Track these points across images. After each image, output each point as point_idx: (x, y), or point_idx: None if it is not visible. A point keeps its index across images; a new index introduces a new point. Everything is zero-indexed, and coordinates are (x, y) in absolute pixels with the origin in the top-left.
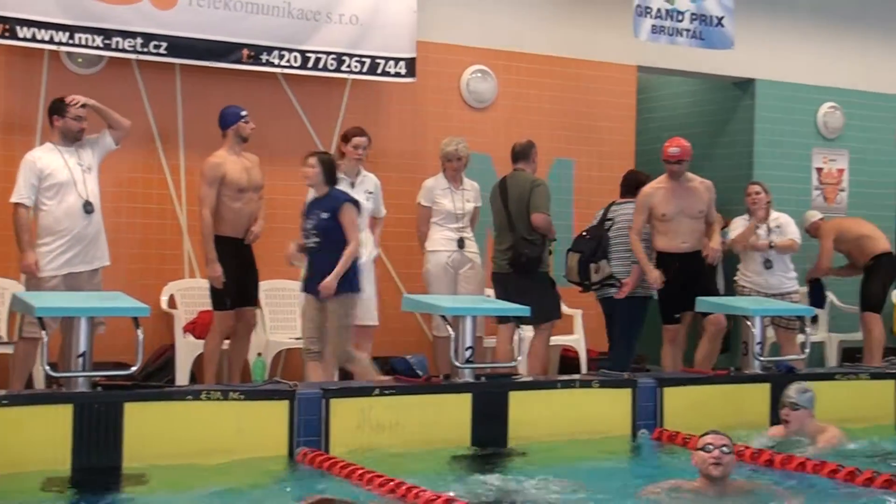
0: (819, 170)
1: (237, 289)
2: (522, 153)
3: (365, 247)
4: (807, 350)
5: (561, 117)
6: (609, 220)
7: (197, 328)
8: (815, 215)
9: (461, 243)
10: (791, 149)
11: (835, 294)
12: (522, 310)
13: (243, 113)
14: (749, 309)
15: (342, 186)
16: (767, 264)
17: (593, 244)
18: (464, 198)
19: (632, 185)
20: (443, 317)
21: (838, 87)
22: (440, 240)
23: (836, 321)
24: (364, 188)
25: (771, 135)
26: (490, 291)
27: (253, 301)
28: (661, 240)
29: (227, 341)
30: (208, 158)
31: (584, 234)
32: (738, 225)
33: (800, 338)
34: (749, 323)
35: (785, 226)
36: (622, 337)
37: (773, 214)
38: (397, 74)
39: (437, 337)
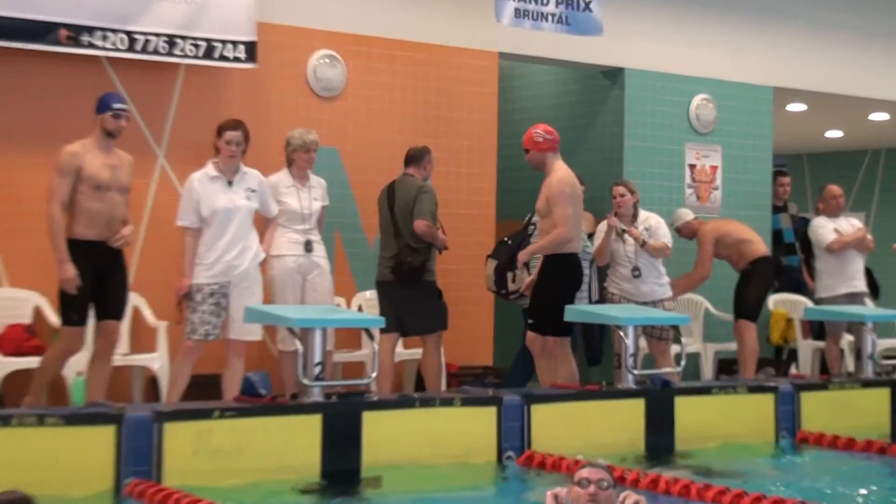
0: (692, 167)
1: (95, 299)
2: (413, 158)
3: (248, 251)
4: (682, 362)
5: (416, 108)
6: (533, 224)
7: (3, 343)
8: (687, 214)
9: (308, 246)
10: (663, 143)
11: (709, 301)
12: (376, 321)
13: (116, 105)
14: (620, 318)
15: (217, 186)
16: (635, 273)
17: (512, 250)
18: (311, 196)
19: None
20: (290, 329)
21: (711, 78)
22: (285, 243)
23: (710, 329)
24: (245, 186)
25: (642, 128)
26: (340, 299)
27: (116, 314)
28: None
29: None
30: (65, 147)
31: (506, 239)
32: (603, 229)
33: (674, 349)
34: (621, 333)
35: (656, 228)
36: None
37: (643, 215)
38: (236, 59)
39: (283, 352)
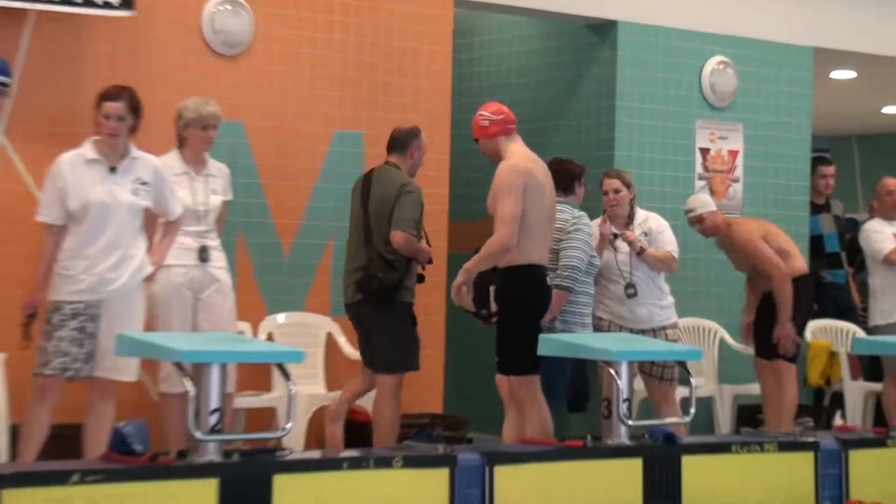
0: (704, 151)
1: None
2: (396, 143)
3: (130, 262)
4: (692, 410)
5: (345, 71)
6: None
7: None
8: (709, 202)
9: (203, 254)
10: (666, 121)
11: (725, 328)
12: (292, 354)
13: None
14: (610, 351)
15: (95, 172)
16: (630, 291)
17: None
18: (208, 187)
19: (561, 180)
20: (176, 364)
21: (731, 35)
22: (173, 249)
23: (727, 367)
24: (134, 176)
25: (639, 101)
26: (244, 325)
27: None
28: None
29: None
30: None
31: None
32: (595, 234)
33: (681, 392)
34: (612, 372)
35: (657, 232)
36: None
37: (640, 215)
38: (107, 5)
39: (167, 395)
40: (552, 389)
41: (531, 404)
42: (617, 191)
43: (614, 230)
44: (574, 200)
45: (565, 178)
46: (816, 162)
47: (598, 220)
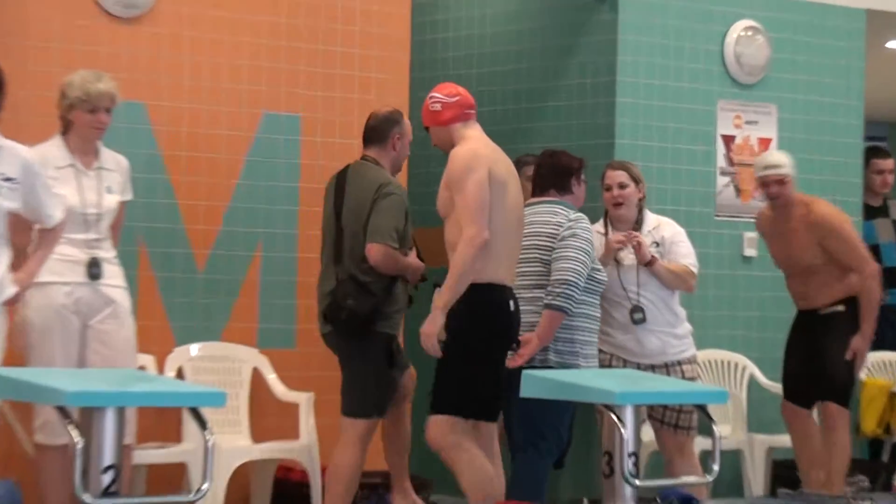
0: (728, 140)
1: None
2: (373, 132)
3: None
4: (715, 467)
5: (276, 39)
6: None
7: None
8: (787, 163)
9: (94, 269)
10: (679, 101)
11: (756, 363)
12: (210, 396)
13: None
14: (613, 393)
15: None
16: (637, 315)
17: None
18: (101, 184)
19: (555, 176)
20: (59, 409)
21: None
22: (53, 262)
23: (759, 411)
24: None
25: (646, 76)
26: (147, 359)
27: None
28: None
29: None
30: None
31: None
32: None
33: (701, 443)
34: (614, 418)
35: (671, 242)
36: (527, 440)
37: (651, 220)
38: None
39: (45, 447)
40: (543, 439)
41: (457, 454)
42: (623, 186)
43: (620, 235)
44: (571, 201)
45: (560, 173)
46: (871, 154)
47: (594, 227)
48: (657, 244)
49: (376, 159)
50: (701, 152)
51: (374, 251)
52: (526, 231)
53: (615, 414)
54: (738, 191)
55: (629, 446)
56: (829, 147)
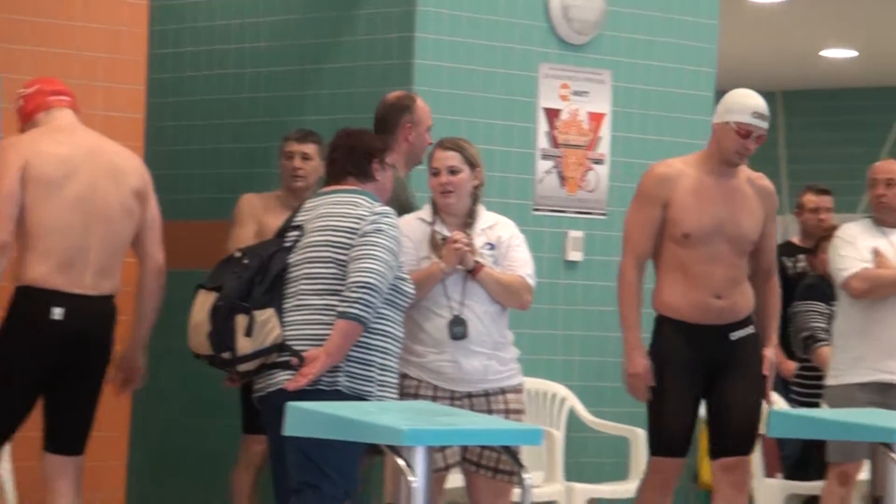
0: (553, 114)
1: None
2: (381, 122)
3: None
4: None
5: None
6: (295, 228)
7: None
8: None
9: None
10: (491, 64)
11: (577, 394)
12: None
13: None
14: (399, 431)
15: None
16: (458, 330)
17: (248, 276)
18: None
19: (352, 160)
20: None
21: None
22: None
23: (580, 454)
24: None
25: (449, 32)
26: None
27: None
28: None
29: None
30: None
31: (237, 254)
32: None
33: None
34: (401, 462)
35: (508, 246)
36: (305, 480)
37: (487, 219)
38: None
39: None
40: (325, 478)
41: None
42: (454, 170)
43: (443, 233)
44: (375, 190)
45: (358, 157)
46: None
47: (414, 217)
48: (491, 246)
49: None
50: (518, 130)
51: None
52: (318, 225)
53: (401, 458)
54: (563, 179)
55: (419, 499)
56: (675, 125)
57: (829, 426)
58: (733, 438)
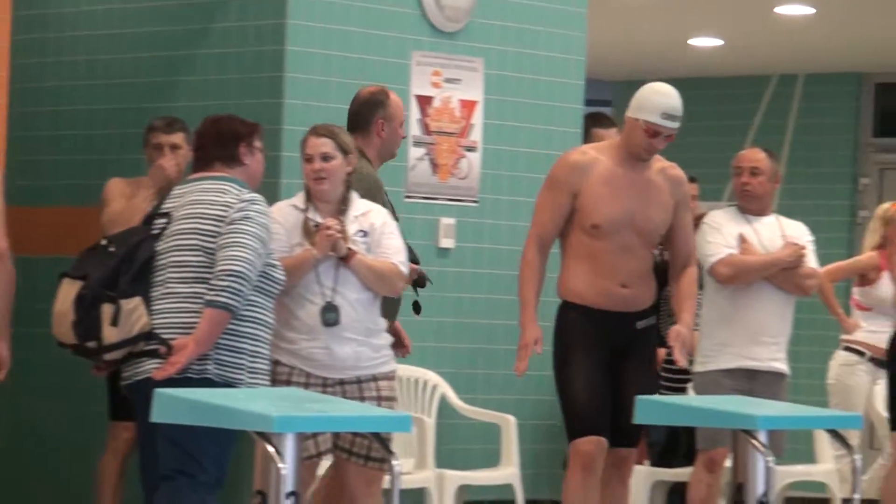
0: (425, 101)
1: None
2: (355, 118)
3: None
4: None
5: None
6: (162, 215)
7: None
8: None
9: None
10: (365, 51)
11: (449, 381)
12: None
13: None
14: (269, 418)
15: None
16: (330, 316)
17: (114, 264)
18: None
19: (219, 145)
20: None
21: None
22: None
23: (451, 442)
24: None
25: (322, 19)
26: None
27: None
28: None
29: None
30: None
31: (103, 242)
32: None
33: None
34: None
35: (381, 234)
36: (177, 468)
37: (360, 206)
38: None
39: None
40: (200, 468)
41: None
42: (327, 157)
43: (316, 219)
44: (243, 175)
45: (225, 142)
46: (591, 121)
47: (286, 203)
48: (364, 233)
49: (360, 148)
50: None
51: None
52: (185, 213)
53: (271, 444)
54: (435, 166)
55: (288, 485)
56: (546, 113)
57: (693, 413)
58: (623, 431)
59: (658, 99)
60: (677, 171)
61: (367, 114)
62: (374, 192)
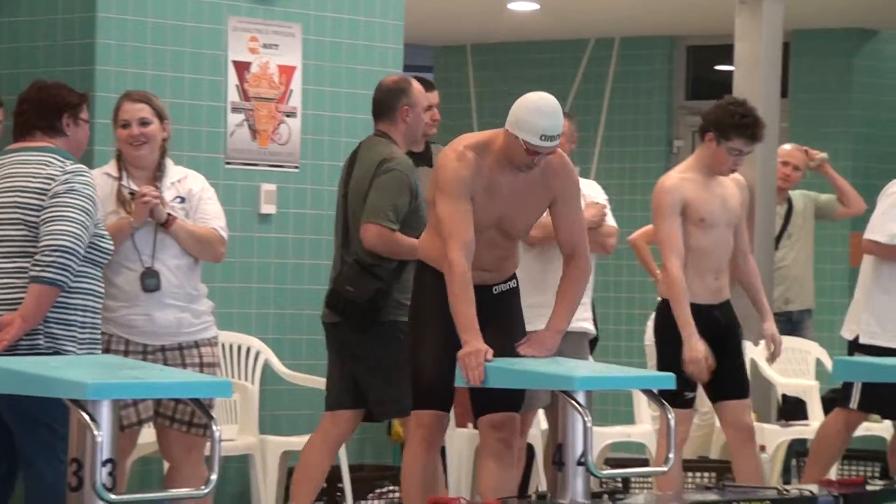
0: (242, 67)
1: None
2: (379, 105)
3: None
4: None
5: None
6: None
7: None
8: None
9: None
10: (179, 17)
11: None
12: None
13: None
14: (86, 385)
15: None
16: (150, 282)
17: None
18: None
19: (41, 115)
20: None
21: None
22: None
23: (274, 407)
24: None
25: None
26: None
27: None
28: None
29: None
30: None
31: None
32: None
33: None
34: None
35: (200, 199)
36: (36, 443)
37: (176, 172)
38: None
39: None
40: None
41: None
42: (145, 122)
43: (131, 186)
44: (66, 146)
45: (48, 111)
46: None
47: (99, 172)
48: (182, 199)
49: (386, 132)
50: (208, 83)
51: (368, 232)
52: (5, 186)
53: (86, 411)
54: (255, 132)
55: (103, 452)
56: (365, 77)
57: (517, 375)
58: (499, 394)
59: (537, 121)
60: (558, 160)
61: (392, 101)
62: (411, 176)
